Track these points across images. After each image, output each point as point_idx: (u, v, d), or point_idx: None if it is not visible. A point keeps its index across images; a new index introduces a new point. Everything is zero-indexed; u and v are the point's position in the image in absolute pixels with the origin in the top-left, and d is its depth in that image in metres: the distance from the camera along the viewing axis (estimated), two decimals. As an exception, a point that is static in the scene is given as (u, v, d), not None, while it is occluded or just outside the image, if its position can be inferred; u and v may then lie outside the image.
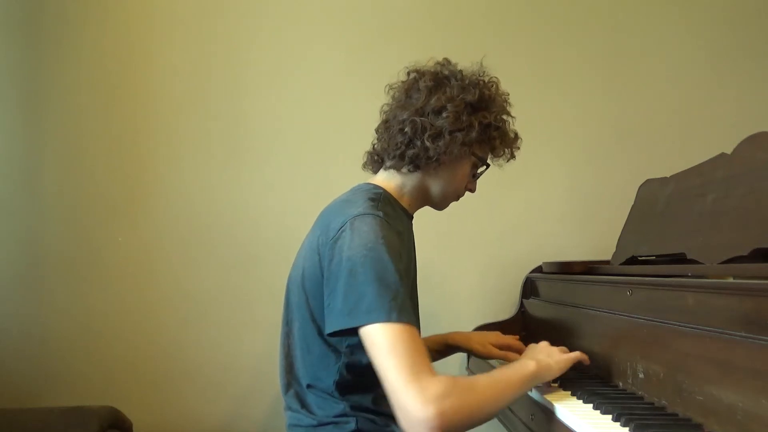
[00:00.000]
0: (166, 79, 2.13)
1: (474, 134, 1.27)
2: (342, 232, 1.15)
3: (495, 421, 1.74)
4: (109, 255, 2.08)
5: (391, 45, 2.15)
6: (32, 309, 2.05)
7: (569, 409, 1.12)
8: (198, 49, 2.15)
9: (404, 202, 1.35)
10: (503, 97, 1.34)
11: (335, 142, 2.14)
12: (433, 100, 1.26)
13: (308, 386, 1.24)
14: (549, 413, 1.19)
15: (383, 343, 1.05)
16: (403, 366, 1.02)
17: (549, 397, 1.22)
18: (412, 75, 1.33)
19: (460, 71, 1.31)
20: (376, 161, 1.38)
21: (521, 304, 2.04)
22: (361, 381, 1.21)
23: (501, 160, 1.39)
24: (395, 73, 1.36)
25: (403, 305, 1.08)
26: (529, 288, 2.04)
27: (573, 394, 1.22)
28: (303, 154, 2.15)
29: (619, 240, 1.65)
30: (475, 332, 1.65)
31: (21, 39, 2.10)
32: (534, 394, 1.28)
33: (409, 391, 1.00)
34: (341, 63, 2.18)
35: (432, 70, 1.32)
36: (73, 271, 2.06)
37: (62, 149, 2.09)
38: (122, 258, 2.08)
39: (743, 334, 0.92)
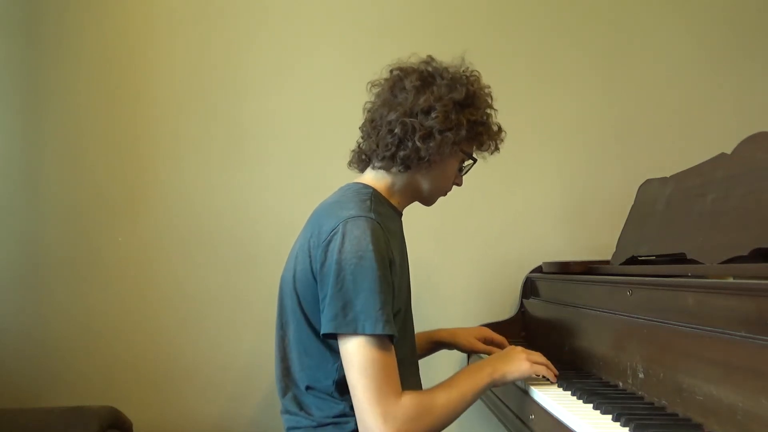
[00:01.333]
0: (166, 79, 2.13)
1: (463, 132, 1.27)
2: (334, 234, 1.16)
3: (494, 420, 1.74)
4: (109, 255, 2.08)
5: (391, 45, 2.11)
6: (32, 309, 2.04)
7: (569, 408, 1.12)
8: (198, 49, 2.14)
9: (394, 201, 1.35)
10: (485, 90, 1.34)
11: (335, 142, 2.10)
12: (421, 100, 1.25)
13: (307, 388, 1.24)
14: (548, 413, 1.19)
15: (356, 360, 1.11)
16: (370, 387, 1.09)
17: (549, 397, 1.22)
18: (395, 73, 1.32)
19: (446, 68, 1.31)
20: (363, 160, 1.38)
21: (521, 304, 2.04)
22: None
23: (486, 154, 1.39)
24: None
25: (387, 317, 1.12)
26: (529, 288, 2.04)
27: (573, 394, 1.22)
28: (303, 154, 2.14)
29: (619, 240, 1.65)
30: (461, 328, 1.66)
31: (21, 39, 2.10)
32: (533, 393, 1.28)
33: (371, 413, 1.09)
34: (341, 63, 2.17)
35: (417, 68, 1.31)
36: (73, 271, 2.06)
37: (62, 149, 2.09)
38: (122, 258, 2.08)
39: (743, 334, 0.92)
